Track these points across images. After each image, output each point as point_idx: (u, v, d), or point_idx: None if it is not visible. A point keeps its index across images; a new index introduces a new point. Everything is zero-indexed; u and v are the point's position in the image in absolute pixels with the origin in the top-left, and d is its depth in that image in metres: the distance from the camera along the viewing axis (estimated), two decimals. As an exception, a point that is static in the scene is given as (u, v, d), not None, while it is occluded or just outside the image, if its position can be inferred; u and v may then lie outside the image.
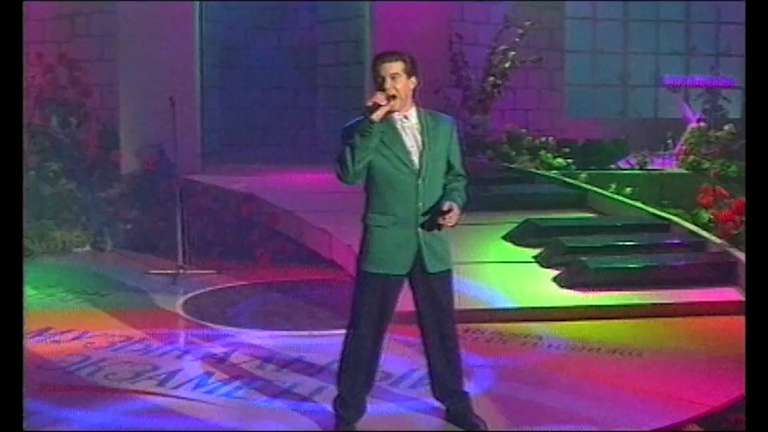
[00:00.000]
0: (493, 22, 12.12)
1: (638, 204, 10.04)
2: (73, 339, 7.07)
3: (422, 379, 6.15)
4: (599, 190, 10.44)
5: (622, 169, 11.68)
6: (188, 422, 5.33)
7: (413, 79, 4.86)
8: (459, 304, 7.55)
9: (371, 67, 4.88)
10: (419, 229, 4.89)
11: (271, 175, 11.63)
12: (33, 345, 6.87)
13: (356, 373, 5.13)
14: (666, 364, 6.60)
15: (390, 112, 4.78)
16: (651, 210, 9.81)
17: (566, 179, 10.82)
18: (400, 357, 6.60)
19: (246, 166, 12.31)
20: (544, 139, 11.76)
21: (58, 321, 7.56)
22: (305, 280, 9.20)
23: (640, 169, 11.56)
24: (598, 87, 16.23)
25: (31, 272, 9.28)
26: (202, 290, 8.80)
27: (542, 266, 8.57)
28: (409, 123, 4.90)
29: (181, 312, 7.98)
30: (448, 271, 5.10)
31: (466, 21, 12.38)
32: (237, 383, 6.01)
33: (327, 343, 6.94)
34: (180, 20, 11.24)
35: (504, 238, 9.26)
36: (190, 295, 8.60)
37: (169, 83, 10.71)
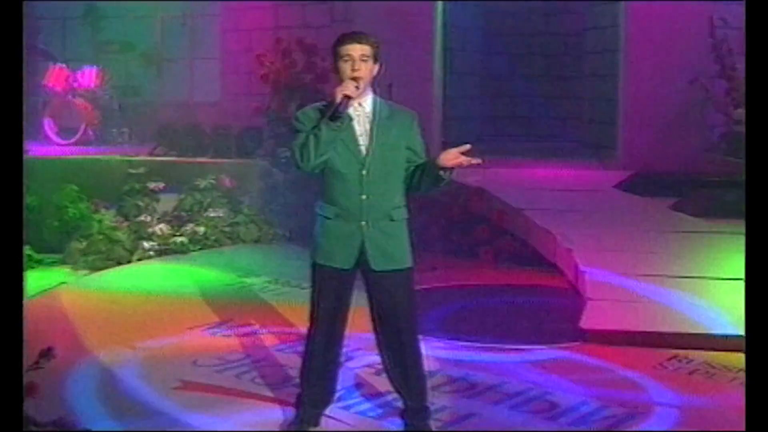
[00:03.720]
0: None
1: None
2: (246, 334, 6.83)
3: (591, 414, 5.40)
4: None
5: None
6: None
7: (376, 65, 4.60)
8: (672, 325, 6.78)
9: (333, 48, 4.58)
10: (363, 223, 4.59)
11: (513, 169, 11.00)
12: (203, 338, 6.77)
13: (310, 374, 4.88)
14: None
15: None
16: None
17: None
18: (574, 383, 5.84)
19: (493, 157, 11.72)
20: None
21: (243, 312, 7.38)
22: (520, 285, 8.50)
23: None
24: None
25: (243, 259, 9.28)
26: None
27: (788, 287, 7.35)
28: (362, 111, 4.62)
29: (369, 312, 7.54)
30: (404, 271, 4.72)
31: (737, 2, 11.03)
32: (381, 400, 5.48)
33: (504, 360, 6.35)
34: (418, 3, 10.82)
35: (749, 250, 8.07)
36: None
37: (407, 69, 10.37)
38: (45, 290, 8.32)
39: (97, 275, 8.98)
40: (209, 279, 8.54)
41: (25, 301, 7.74)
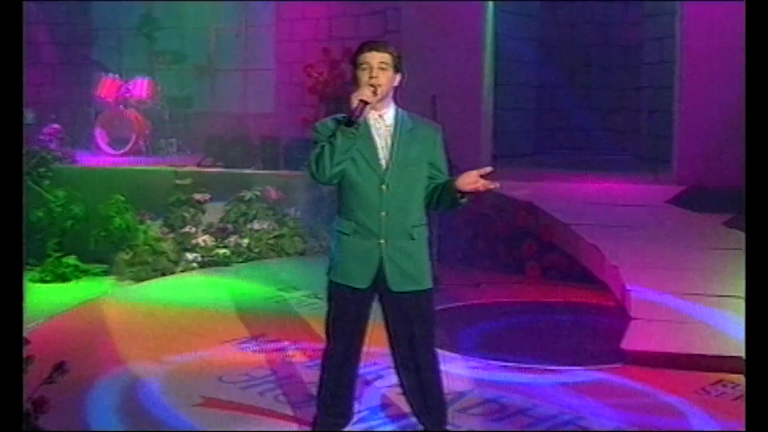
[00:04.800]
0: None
1: None
2: (276, 350, 6.71)
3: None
4: None
5: None
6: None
7: (398, 75, 4.42)
8: (718, 348, 6.48)
9: (352, 58, 4.44)
10: (381, 241, 4.41)
11: (564, 183, 10.73)
12: (233, 353, 6.67)
13: (325, 394, 4.72)
14: None
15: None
16: None
17: None
18: (610, 407, 5.62)
19: (544, 171, 11.51)
20: None
21: (277, 327, 7.27)
22: (565, 303, 8.23)
23: None
24: None
25: (285, 272, 9.16)
26: (448, 305, 8.10)
27: None
28: (383, 123, 4.45)
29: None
30: (423, 293, 4.54)
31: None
32: (405, 422, 5.30)
33: (539, 382, 6.14)
34: (468, 14, 10.63)
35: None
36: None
37: (456, 81, 10.22)
38: (84, 302, 8.32)
39: (137, 286, 8.98)
40: (248, 292, 8.46)
41: (64, 312, 7.82)
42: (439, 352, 6.48)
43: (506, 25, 12.25)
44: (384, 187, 4.40)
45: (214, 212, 10.30)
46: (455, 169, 10.08)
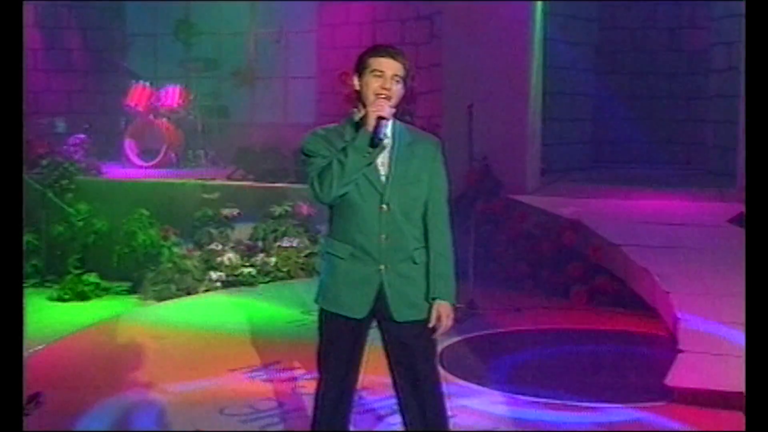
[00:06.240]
0: None
1: None
2: (288, 379, 6.23)
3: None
4: None
5: None
6: None
7: (403, 90, 4.02)
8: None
9: (362, 57, 3.98)
10: (382, 267, 3.99)
11: (618, 199, 10.04)
12: (241, 381, 6.21)
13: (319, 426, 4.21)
14: None
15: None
16: None
17: None
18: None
19: (596, 186, 10.85)
20: None
21: (294, 354, 6.72)
22: (611, 331, 7.59)
23: None
24: None
25: (312, 293, 8.55)
26: (484, 332, 7.50)
27: None
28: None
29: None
30: (426, 321, 4.08)
31: None
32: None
33: (570, 420, 5.59)
34: (514, 18, 10.01)
35: None
36: (462, 337, 7.25)
37: (499, 89, 9.65)
38: (95, 323, 7.92)
39: (152, 307, 8.57)
40: (270, 314, 7.99)
41: (74, 333, 7.44)
42: (463, 384, 6.04)
43: (560, 30, 11.64)
44: (384, 206, 3.96)
45: (245, 229, 9.81)
46: (499, 183, 9.57)
